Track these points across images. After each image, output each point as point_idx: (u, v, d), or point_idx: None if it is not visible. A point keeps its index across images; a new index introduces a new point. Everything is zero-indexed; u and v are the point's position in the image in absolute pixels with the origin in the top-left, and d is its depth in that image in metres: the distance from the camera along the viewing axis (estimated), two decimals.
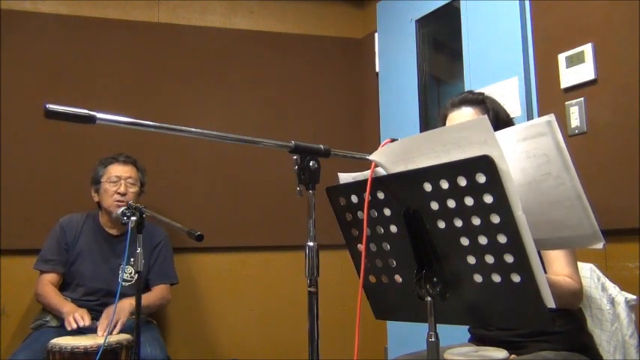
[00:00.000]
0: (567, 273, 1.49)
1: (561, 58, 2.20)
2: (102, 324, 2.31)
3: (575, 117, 2.13)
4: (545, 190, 1.03)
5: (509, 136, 1.04)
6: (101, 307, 2.52)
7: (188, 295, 3.17)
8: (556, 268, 1.50)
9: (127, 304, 2.40)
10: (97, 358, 2.00)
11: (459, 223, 1.01)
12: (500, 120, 1.66)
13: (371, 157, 1.14)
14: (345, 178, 1.23)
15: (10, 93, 2.97)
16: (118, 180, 2.61)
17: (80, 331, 2.32)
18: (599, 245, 1.03)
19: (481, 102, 1.69)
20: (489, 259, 0.99)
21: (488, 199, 0.96)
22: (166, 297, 2.73)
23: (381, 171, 1.14)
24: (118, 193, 2.58)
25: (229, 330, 3.23)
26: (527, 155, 1.03)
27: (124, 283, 2.57)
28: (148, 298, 2.56)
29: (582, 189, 1.01)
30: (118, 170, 2.63)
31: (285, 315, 3.27)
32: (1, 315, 2.86)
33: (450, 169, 1.00)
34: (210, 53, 3.36)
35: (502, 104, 1.75)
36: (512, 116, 1.79)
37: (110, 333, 2.20)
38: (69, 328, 2.31)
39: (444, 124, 1.73)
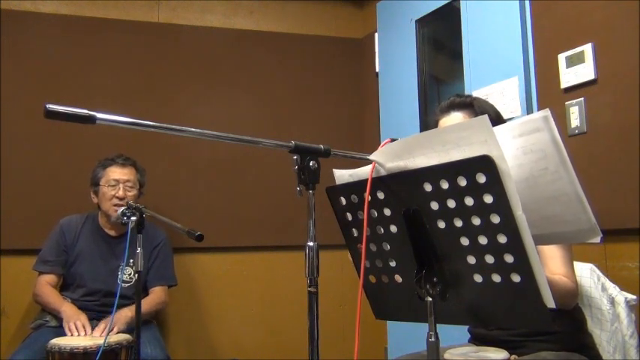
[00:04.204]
0: (563, 272, 1.49)
1: (561, 58, 2.20)
2: (99, 329, 2.32)
3: (575, 117, 2.13)
4: (543, 186, 1.03)
5: (505, 132, 1.04)
6: (101, 307, 2.53)
7: (188, 295, 3.17)
8: (552, 266, 1.50)
9: (123, 315, 2.38)
10: (97, 358, 2.00)
11: (459, 223, 1.01)
12: (491, 120, 1.65)
13: (371, 157, 1.14)
14: (340, 174, 1.23)
15: (10, 93, 2.97)
16: (117, 184, 2.60)
17: None
18: (597, 240, 1.02)
19: (469, 105, 1.67)
20: (489, 259, 0.99)
21: (488, 199, 0.96)
22: (164, 300, 2.72)
23: (380, 170, 1.14)
24: (116, 197, 2.57)
25: (229, 330, 3.23)
26: (524, 151, 1.03)
27: (123, 284, 2.57)
28: (145, 304, 2.51)
29: (579, 185, 1.01)
30: (116, 173, 2.62)
31: (285, 315, 3.27)
32: (1, 315, 2.86)
33: (450, 169, 1.00)
34: (210, 53, 3.36)
35: (502, 104, 1.74)
36: (511, 116, 1.79)
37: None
38: (68, 335, 2.30)
39: None
